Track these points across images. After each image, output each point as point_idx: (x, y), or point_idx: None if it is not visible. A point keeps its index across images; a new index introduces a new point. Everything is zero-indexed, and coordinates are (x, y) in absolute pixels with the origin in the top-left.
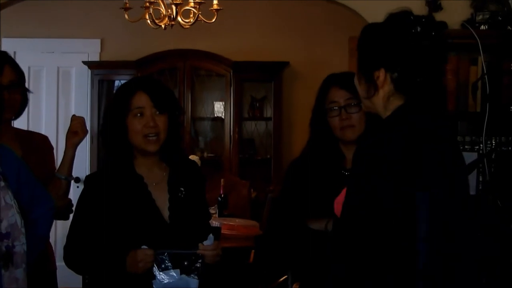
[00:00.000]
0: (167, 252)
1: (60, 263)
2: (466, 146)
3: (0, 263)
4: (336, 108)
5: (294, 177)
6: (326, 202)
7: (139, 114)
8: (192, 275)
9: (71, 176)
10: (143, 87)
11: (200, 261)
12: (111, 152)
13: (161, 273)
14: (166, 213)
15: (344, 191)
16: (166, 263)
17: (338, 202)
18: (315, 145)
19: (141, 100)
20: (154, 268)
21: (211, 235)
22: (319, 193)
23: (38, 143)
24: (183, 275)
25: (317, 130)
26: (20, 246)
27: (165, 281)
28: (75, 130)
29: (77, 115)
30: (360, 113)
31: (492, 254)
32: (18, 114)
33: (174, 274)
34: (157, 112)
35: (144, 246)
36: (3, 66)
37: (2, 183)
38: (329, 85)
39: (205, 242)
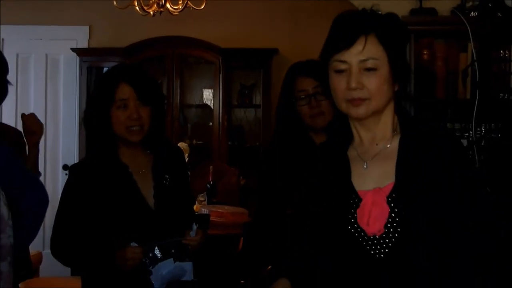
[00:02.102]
0: (156, 245)
1: (48, 250)
2: (455, 133)
3: None
4: (305, 96)
5: (268, 169)
6: None
7: (123, 106)
8: (185, 260)
9: (39, 172)
10: (127, 79)
11: (189, 246)
12: (95, 142)
13: (156, 266)
14: (151, 201)
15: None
16: (158, 255)
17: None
18: (283, 134)
19: (125, 92)
20: (148, 263)
21: (194, 225)
22: (293, 182)
23: (14, 138)
24: (177, 262)
25: (285, 119)
26: (6, 238)
27: (163, 272)
28: (34, 130)
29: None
30: (328, 101)
31: (488, 251)
32: None
33: (169, 264)
34: (141, 104)
35: (133, 243)
36: None
37: None
38: (295, 74)
39: (190, 233)
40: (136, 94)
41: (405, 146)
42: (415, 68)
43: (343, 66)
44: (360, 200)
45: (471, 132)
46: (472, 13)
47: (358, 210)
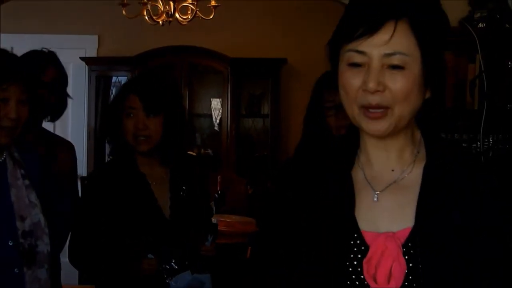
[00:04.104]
0: (173, 257)
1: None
2: (463, 144)
3: (22, 261)
4: (333, 106)
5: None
6: None
7: (131, 115)
8: (203, 272)
9: None
10: (135, 89)
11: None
12: (112, 150)
13: (173, 279)
14: (167, 212)
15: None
16: (174, 268)
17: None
18: (310, 143)
19: (133, 102)
20: (165, 275)
21: (209, 236)
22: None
23: (62, 150)
24: (195, 274)
25: (312, 128)
26: (43, 246)
27: (181, 285)
28: None
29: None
30: None
31: (495, 256)
32: (53, 117)
33: (187, 276)
34: (149, 115)
35: (150, 255)
36: (47, 65)
37: (27, 182)
38: (325, 86)
39: (206, 243)
40: (143, 104)
41: (431, 178)
42: None
43: (360, 59)
44: (365, 245)
45: (479, 143)
46: (480, 24)
47: (365, 261)
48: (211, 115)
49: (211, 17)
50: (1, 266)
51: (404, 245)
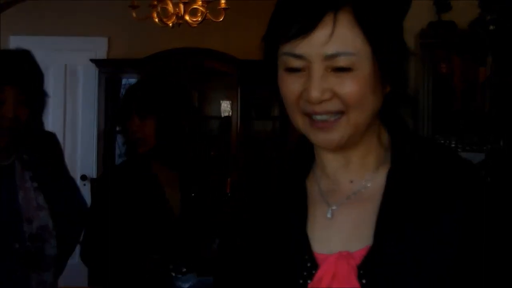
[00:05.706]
0: (179, 258)
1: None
2: (473, 146)
3: (28, 264)
4: None
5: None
6: None
7: (130, 118)
8: (209, 275)
9: None
10: (131, 95)
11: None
12: (125, 151)
13: (178, 280)
14: (178, 212)
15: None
16: (180, 269)
17: None
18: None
19: (131, 107)
20: (172, 275)
21: (217, 239)
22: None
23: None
24: (200, 278)
25: None
26: (50, 249)
27: (185, 287)
28: None
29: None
30: None
31: (486, 261)
32: None
33: (193, 278)
34: (142, 118)
35: (155, 256)
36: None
37: (35, 184)
38: None
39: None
40: (135, 109)
41: (396, 187)
42: (433, 81)
43: (298, 64)
44: (316, 268)
45: (489, 145)
46: (491, 26)
47: (310, 285)
48: (220, 117)
49: (221, 19)
50: (8, 269)
51: (362, 267)
